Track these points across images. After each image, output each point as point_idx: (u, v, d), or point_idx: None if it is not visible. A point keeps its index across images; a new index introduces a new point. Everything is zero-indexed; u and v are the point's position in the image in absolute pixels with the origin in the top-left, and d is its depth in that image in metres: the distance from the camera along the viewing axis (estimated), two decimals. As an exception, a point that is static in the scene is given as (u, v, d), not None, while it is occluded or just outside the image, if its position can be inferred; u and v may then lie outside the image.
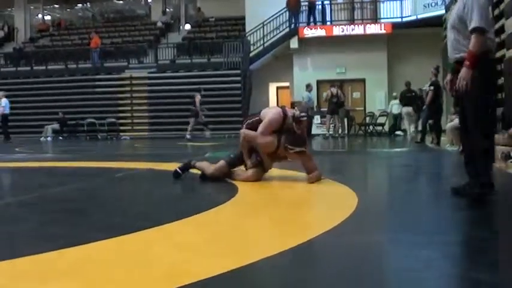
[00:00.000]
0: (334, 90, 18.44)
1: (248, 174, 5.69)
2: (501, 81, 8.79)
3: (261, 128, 5.61)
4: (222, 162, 5.78)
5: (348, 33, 21.69)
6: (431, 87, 12.61)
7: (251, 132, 5.65)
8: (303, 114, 5.64)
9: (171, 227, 3.41)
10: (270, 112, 5.74)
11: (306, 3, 22.34)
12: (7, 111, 19.84)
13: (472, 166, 4.34)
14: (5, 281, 2.31)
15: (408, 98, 17.73)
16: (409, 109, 17.56)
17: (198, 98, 19.07)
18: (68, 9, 34.13)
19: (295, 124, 5.61)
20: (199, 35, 26.11)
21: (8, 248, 3.02)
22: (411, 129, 17.64)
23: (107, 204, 4.79)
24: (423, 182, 6.62)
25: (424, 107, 13.74)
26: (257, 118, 5.80)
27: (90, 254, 2.76)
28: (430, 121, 13.13)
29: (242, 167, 5.87)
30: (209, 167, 5.84)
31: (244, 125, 5.88)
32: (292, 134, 5.61)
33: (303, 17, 22.51)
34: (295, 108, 5.94)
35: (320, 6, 22.64)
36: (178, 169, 6.02)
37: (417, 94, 17.38)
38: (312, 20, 22.26)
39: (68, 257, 2.69)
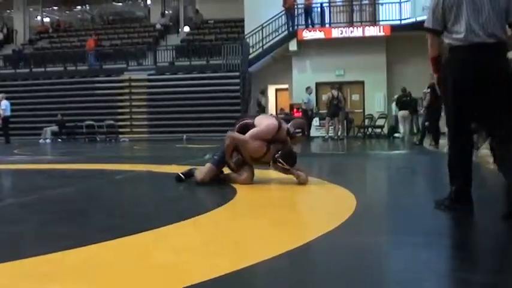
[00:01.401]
0: (335, 92, 18.46)
1: (243, 177, 5.69)
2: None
3: (252, 132, 5.62)
4: (208, 166, 5.78)
5: (346, 35, 21.69)
6: (429, 90, 12.72)
7: (240, 136, 5.66)
8: (297, 130, 5.64)
9: (170, 229, 3.42)
10: (266, 121, 5.74)
11: (303, 5, 22.37)
12: (8, 113, 19.81)
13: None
14: (6, 282, 2.32)
15: (404, 102, 18.11)
16: (405, 112, 17.95)
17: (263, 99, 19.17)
18: (67, 11, 34.15)
19: (290, 139, 5.64)
20: (198, 37, 26.11)
21: (8, 249, 3.02)
22: (406, 131, 18.00)
23: (107, 206, 4.79)
24: (422, 184, 6.63)
25: (422, 109, 13.89)
26: (251, 122, 5.81)
27: (89, 256, 2.77)
28: (427, 123, 13.19)
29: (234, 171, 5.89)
30: (200, 174, 5.83)
31: (236, 126, 5.89)
32: (286, 148, 5.63)
33: (301, 20, 22.51)
34: (290, 123, 5.87)
35: (319, 9, 22.65)
36: (181, 174, 5.99)
37: (412, 98, 17.89)
38: (309, 23, 22.27)
39: (68, 259, 2.70)
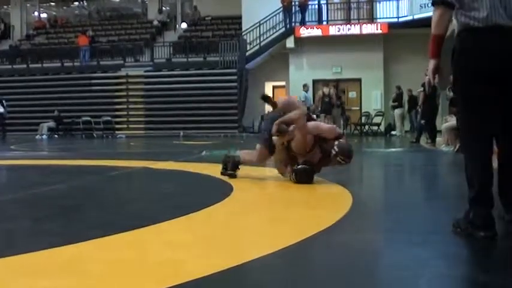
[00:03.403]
0: (326, 90, 18.53)
1: (253, 156, 5.78)
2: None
3: (315, 123, 5.59)
4: (259, 148, 5.74)
5: (344, 32, 21.69)
6: (422, 89, 12.90)
7: (303, 120, 5.41)
8: (340, 158, 5.35)
9: (165, 226, 3.41)
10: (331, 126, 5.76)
11: (297, 2, 22.38)
12: (1, 109, 19.73)
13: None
14: (0, 278, 2.32)
15: (401, 100, 18.47)
16: (401, 111, 18.32)
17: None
18: (64, 7, 34.03)
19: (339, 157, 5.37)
20: (195, 34, 26.06)
21: (2, 245, 3.02)
22: (403, 129, 18.36)
23: (102, 202, 4.78)
24: (418, 182, 6.63)
25: (418, 107, 14.10)
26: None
27: (84, 252, 2.76)
28: (422, 121, 13.24)
29: (248, 151, 5.96)
30: (251, 156, 5.87)
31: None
32: (309, 168, 5.44)
33: (299, 17, 22.50)
34: (337, 144, 5.42)
35: (316, 6, 22.63)
36: (230, 171, 5.89)
37: (412, 95, 18.25)
38: (301, 20, 22.25)
39: (62, 255, 2.69)
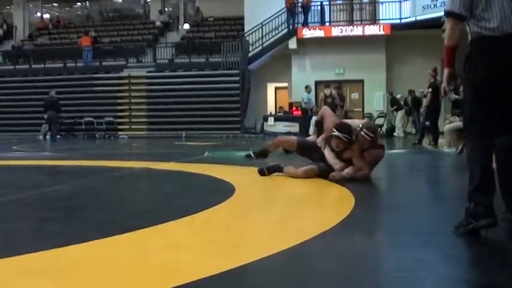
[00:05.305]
0: (327, 91, 18.50)
1: (299, 171, 5.90)
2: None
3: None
4: (312, 167, 5.95)
5: (346, 34, 21.67)
6: (429, 89, 12.75)
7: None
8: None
9: (167, 227, 3.41)
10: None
11: (300, 3, 22.37)
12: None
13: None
14: (2, 278, 2.32)
15: (400, 103, 18.71)
16: (402, 112, 18.51)
17: None
18: (67, 8, 34.09)
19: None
20: (198, 35, 26.08)
21: (5, 245, 3.02)
22: (401, 130, 18.54)
23: (104, 203, 4.79)
24: (420, 184, 6.62)
25: (422, 109, 14.05)
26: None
27: (86, 253, 2.76)
28: (427, 123, 13.18)
29: (291, 167, 6.09)
30: (296, 171, 5.99)
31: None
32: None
33: (301, 18, 22.49)
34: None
35: (319, 7, 22.62)
36: (266, 169, 6.12)
37: (413, 98, 18.47)
38: (304, 21, 22.23)
39: (65, 256, 2.69)
